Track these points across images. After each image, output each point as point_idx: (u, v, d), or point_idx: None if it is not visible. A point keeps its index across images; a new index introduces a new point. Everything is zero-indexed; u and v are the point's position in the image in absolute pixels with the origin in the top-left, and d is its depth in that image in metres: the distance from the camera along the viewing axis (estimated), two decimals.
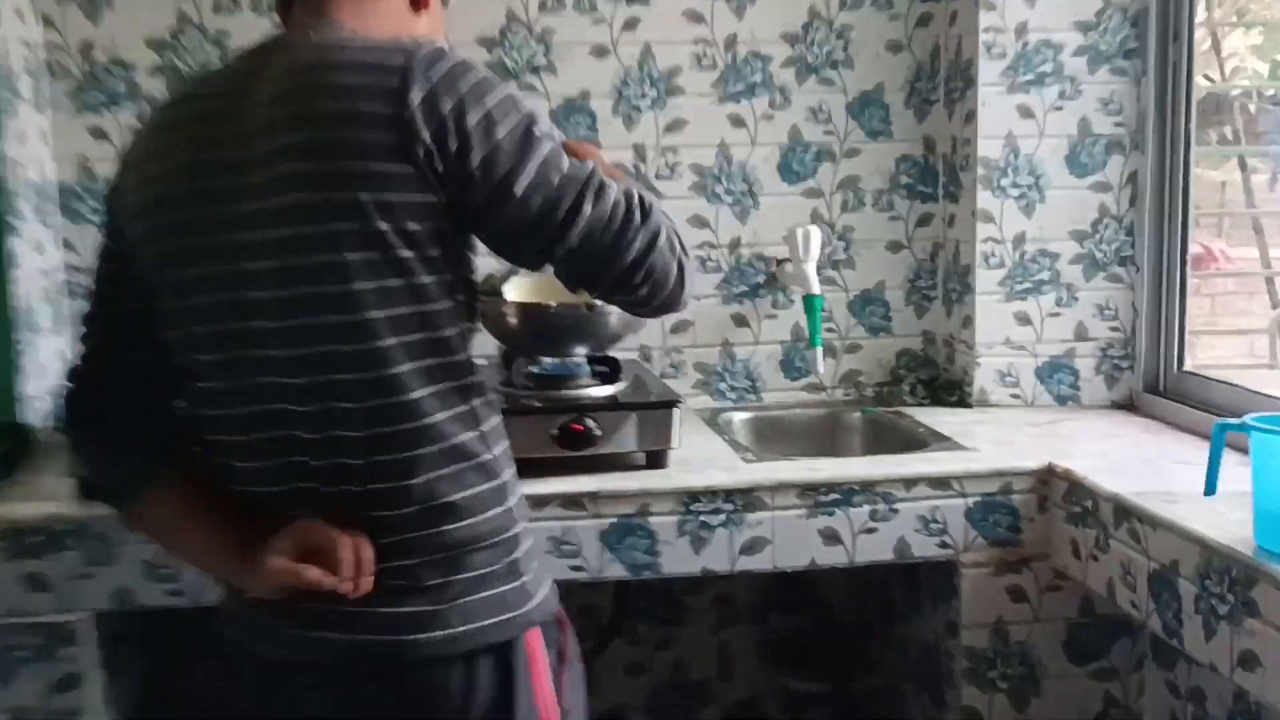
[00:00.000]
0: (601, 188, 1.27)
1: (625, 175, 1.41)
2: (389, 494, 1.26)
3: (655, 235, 1.29)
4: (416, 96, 1.19)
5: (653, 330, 2.42)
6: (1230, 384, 2.18)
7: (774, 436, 2.38)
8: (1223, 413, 2.10)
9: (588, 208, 1.25)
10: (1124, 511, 1.75)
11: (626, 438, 1.91)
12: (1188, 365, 2.31)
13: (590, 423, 1.89)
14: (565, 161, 1.27)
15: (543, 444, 1.88)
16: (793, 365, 2.47)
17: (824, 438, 2.40)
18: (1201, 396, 2.21)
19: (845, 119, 2.42)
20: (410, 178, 1.20)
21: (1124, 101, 2.30)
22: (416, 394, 1.25)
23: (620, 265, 1.28)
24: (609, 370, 2.05)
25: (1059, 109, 2.30)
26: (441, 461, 1.27)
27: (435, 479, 1.26)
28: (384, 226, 1.20)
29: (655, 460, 1.95)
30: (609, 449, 1.91)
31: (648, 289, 1.30)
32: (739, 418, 2.38)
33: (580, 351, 2.02)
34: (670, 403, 1.93)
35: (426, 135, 1.19)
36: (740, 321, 2.45)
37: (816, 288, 2.31)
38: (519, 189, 1.23)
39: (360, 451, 1.26)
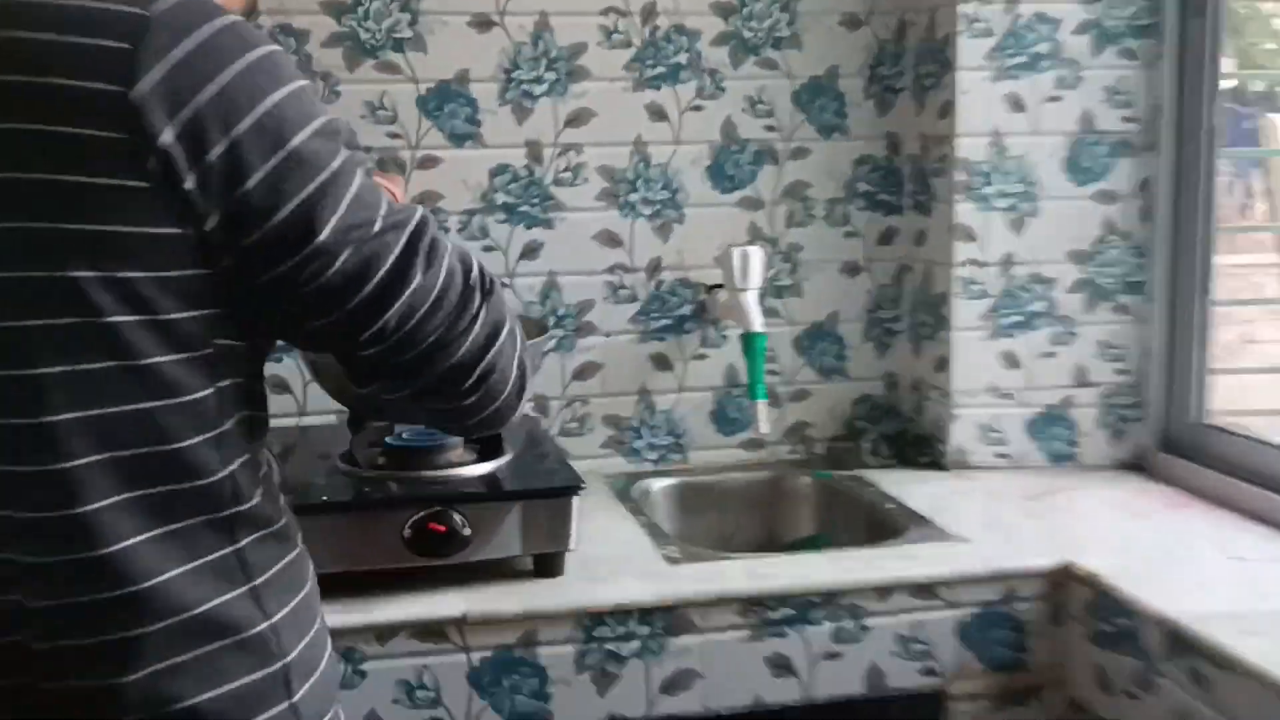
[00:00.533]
0: (435, 247, 0.88)
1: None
2: (92, 697, 0.81)
3: (499, 324, 0.91)
4: (154, 73, 0.77)
5: (551, 374, 1.92)
6: (1264, 442, 1.74)
7: (703, 508, 1.91)
8: (1256, 478, 1.68)
9: (416, 273, 0.85)
10: (1181, 643, 1.29)
11: (507, 538, 1.41)
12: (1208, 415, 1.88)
13: (456, 519, 1.38)
14: (383, 201, 0.86)
15: (391, 549, 1.38)
16: (726, 417, 1.99)
17: (766, 509, 1.93)
18: (1227, 456, 1.78)
19: (791, 111, 1.95)
20: (137, 198, 0.77)
21: (1135, 91, 1.85)
22: (127, 543, 0.80)
23: (448, 361, 0.88)
24: (488, 440, 1.55)
25: (1056, 99, 1.85)
26: (175, 644, 0.82)
27: (164, 672, 0.82)
28: (87, 274, 0.78)
29: (546, 567, 1.45)
30: (484, 554, 1.41)
31: (478, 397, 0.91)
32: (659, 486, 1.90)
33: None
34: (568, 489, 1.43)
35: (167, 133, 0.77)
36: (661, 363, 1.96)
37: (758, 323, 1.83)
38: (322, 234, 0.81)
39: (44, 631, 0.81)
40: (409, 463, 1.50)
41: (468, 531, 1.38)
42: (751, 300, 1.83)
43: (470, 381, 0.89)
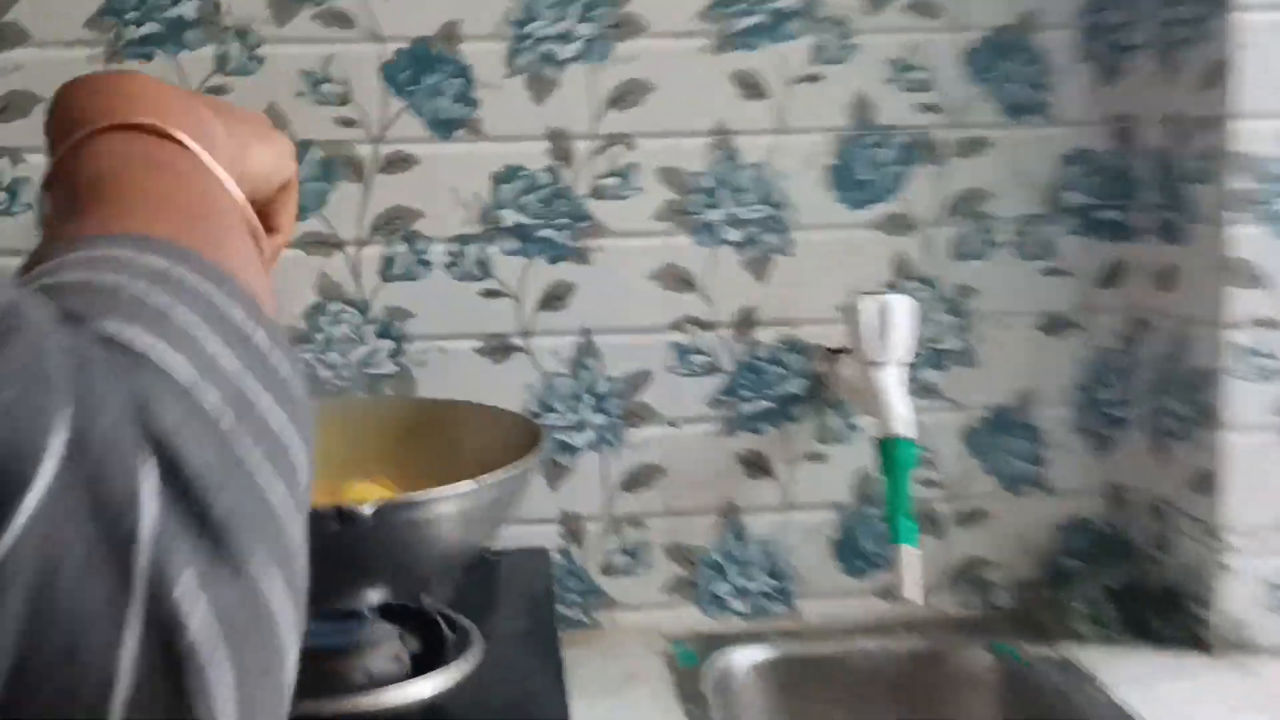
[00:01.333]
0: None
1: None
2: None
3: None
4: None
5: (588, 484, 1.28)
6: None
7: (817, 693, 1.24)
8: None
9: None
10: None
11: None
12: None
13: None
14: None
15: None
16: (855, 549, 1.31)
17: (914, 697, 1.25)
18: None
19: (959, 82, 1.27)
20: None
21: None
22: None
23: None
24: (428, 640, 0.92)
25: None
26: None
27: None
28: None
29: None
30: None
31: None
32: (749, 661, 1.24)
33: (372, 598, 0.91)
34: None
35: None
36: (755, 468, 1.30)
37: (903, 420, 1.15)
38: None
39: None
40: (305, 680, 0.87)
41: None
42: (893, 381, 1.15)
43: None
